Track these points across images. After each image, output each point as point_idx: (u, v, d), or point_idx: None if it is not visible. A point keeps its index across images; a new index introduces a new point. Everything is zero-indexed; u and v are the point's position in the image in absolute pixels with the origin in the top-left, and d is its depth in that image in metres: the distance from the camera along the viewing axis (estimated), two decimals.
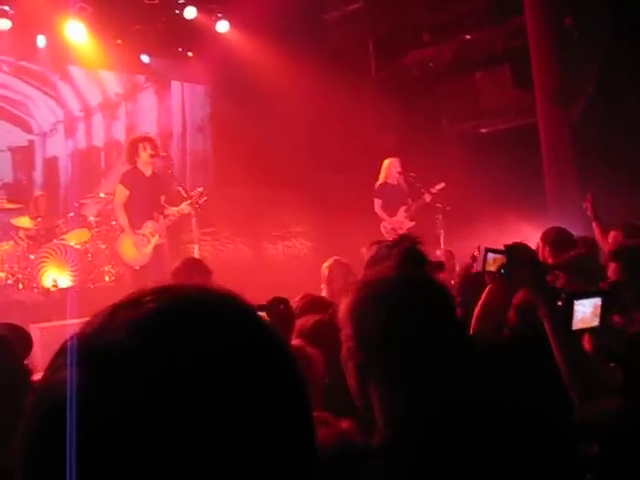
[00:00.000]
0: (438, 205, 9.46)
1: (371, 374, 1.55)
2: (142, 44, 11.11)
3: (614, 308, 2.76)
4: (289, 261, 11.81)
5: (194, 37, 11.20)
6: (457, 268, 7.03)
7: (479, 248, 2.55)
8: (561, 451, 1.64)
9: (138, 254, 7.93)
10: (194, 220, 8.13)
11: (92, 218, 9.48)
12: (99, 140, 12.59)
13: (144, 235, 7.94)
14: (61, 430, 0.64)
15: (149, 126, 12.79)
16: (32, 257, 8.78)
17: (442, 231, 9.39)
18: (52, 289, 8.72)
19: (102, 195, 9.77)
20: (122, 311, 0.71)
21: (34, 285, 8.74)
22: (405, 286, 1.58)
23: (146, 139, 8.30)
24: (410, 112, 11.47)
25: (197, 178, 11.92)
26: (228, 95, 11.60)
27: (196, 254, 7.91)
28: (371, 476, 1.45)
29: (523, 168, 9.88)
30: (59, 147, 12.35)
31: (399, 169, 9.59)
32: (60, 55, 10.69)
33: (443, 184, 9.49)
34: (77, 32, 10.14)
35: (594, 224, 6.15)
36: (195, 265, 5.20)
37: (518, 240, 2.81)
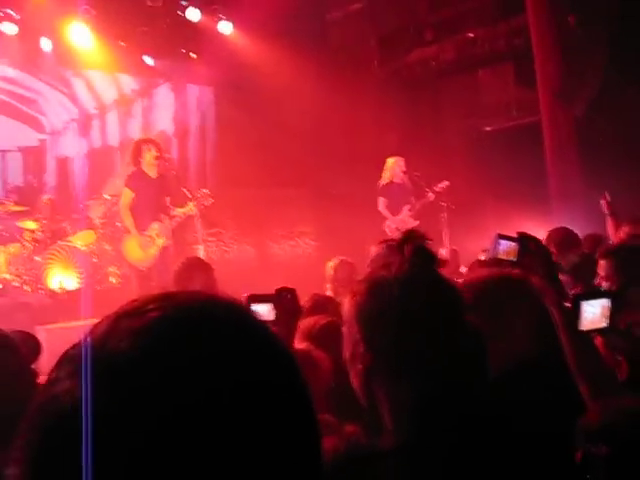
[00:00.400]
0: (442, 203, 9.46)
1: (380, 375, 1.51)
2: (146, 46, 11.14)
3: (622, 309, 2.76)
4: (294, 261, 11.83)
5: (197, 39, 11.23)
6: (462, 267, 7.05)
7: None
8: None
9: (144, 255, 7.95)
10: (199, 221, 8.15)
11: (97, 220, 9.50)
12: (114, 139, 12.25)
13: (149, 236, 7.96)
14: (63, 442, 0.64)
15: (165, 124, 12.66)
16: (38, 259, 8.81)
17: (446, 229, 9.39)
18: (58, 291, 8.75)
19: (107, 197, 9.80)
20: (124, 320, 0.70)
21: (40, 287, 8.77)
22: (417, 285, 1.54)
23: (150, 141, 8.34)
24: (413, 110, 11.49)
25: (201, 179, 11.93)
26: (232, 96, 11.63)
27: (201, 255, 7.93)
28: (385, 478, 1.43)
29: (527, 166, 9.88)
30: (72, 147, 11.95)
31: (403, 168, 9.59)
32: (65, 58, 10.72)
33: (447, 182, 9.49)
34: (81, 35, 10.17)
35: (609, 220, 6.12)
36: (196, 264, 5.22)
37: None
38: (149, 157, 7.99)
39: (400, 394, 1.50)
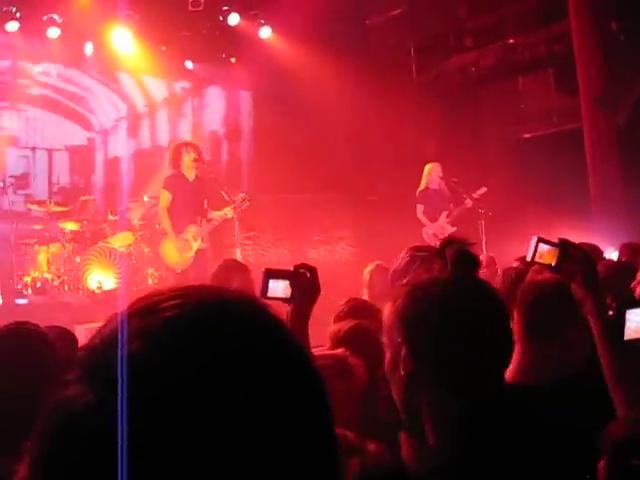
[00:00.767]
0: (480, 210, 9.38)
1: (422, 382, 1.48)
2: (186, 50, 11.25)
3: None
4: (330, 266, 11.80)
5: (237, 43, 11.31)
6: (499, 274, 6.96)
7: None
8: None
9: (180, 258, 8.01)
10: (236, 224, 8.19)
11: (136, 221, 9.60)
12: (164, 139, 12.02)
13: (186, 239, 8.01)
14: (70, 447, 0.62)
15: (216, 125, 12.57)
16: (78, 259, 8.93)
17: (484, 237, 9.31)
18: (97, 291, 8.86)
19: (146, 199, 9.89)
20: (135, 319, 0.68)
21: (79, 287, 8.89)
22: (459, 289, 1.53)
23: (189, 144, 8.40)
24: (452, 117, 11.42)
25: (239, 182, 11.98)
26: (270, 100, 11.67)
27: (238, 258, 7.96)
28: None
29: (567, 173, 9.76)
30: (120, 146, 11.72)
31: (440, 174, 9.54)
32: (107, 62, 10.88)
33: (485, 189, 9.42)
34: (123, 39, 10.32)
35: None
36: (234, 265, 5.24)
37: None
38: (188, 160, 8.04)
39: (442, 403, 1.47)
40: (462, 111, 11.71)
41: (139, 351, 0.64)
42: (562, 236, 2.32)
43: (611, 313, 2.22)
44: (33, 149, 11.22)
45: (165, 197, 8.08)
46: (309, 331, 2.37)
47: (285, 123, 11.16)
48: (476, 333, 1.48)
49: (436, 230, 9.46)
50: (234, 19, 10.96)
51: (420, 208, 9.57)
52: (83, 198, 9.64)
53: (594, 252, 5.56)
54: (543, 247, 2.25)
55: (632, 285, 3.82)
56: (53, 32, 9.87)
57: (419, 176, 9.68)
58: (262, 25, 11.18)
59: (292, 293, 2.37)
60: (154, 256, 9.19)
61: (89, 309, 8.57)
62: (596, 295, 2.13)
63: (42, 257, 9.00)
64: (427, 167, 9.67)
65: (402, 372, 1.49)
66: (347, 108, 10.82)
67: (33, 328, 1.94)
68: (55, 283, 8.92)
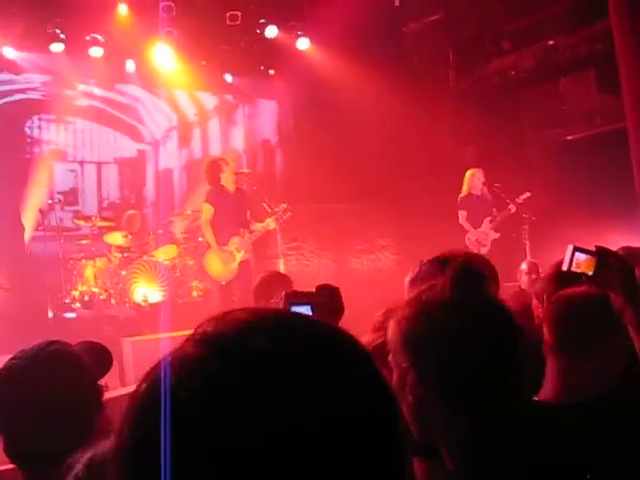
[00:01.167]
0: (524, 215, 9.28)
1: (433, 407, 1.45)
2: (225, 64, 11.37)
3: None
4: (374, 275, 11.80)
5: (275, 55, 11.39)
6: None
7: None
8: None
9: (224, 270, 8.07)
10: (279, 235, 8.23)
11: (180, 235, 9.71)
12: (216, 148, 11.87)
13: (230, 251, 8.08)
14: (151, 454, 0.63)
15: (267, 132, 12.48)
16: (123, 273, 9.07)
17: (528, 242, 9.21)
18: (143, 304, 8.98)
19: (189, 212, 10.01)
20: (212, 340, 0.70)
21: (126, 300, 9.02)
22: (463, 309, 1.48)
23: (224, 159, 8.53)
24: (492, 122, 11.32)
25: (280, 193, 12.04)
26: (309, 110, 11.72)
27: (281, 269, 8.00)
28: None
29: (611, 175, 9.60)
30: (172, 158, 11.50)
31: (482, 179, 9.47)
32: (148, 78, 11.05)
33: (528, 194, 9.32)
34: (164, 56, 10.48)
35: None
36: (276, 277, 5.26)
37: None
38: (228, 173, 8.12)
39: (453, 425, 1.44)
40: (502, 115, 11.61)
41: (216, 368, 0.66)
42: (607, 240, 2.27)
43: None
44: (81, 163, 11.15)
45: (207, 210, 8.16)
46: None
47: (324, 133, 11.20)
48: (484, 355, 1.45)
49: (479, 236, 9.39)
50: (272, 31, 11.05)
51: (462, 214, 9.51)
52: (129, 213, 9.79)
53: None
54: (580, 256, 2.20)
55: None
56: (96, 51, 10.08)
57: (459, 182, 9.62)
58: (299, 36, 11.24)
59: (313, 315, 2.37)
60: (198, 268, 9.28)
61: (135, 322, 8.70)
62: (636, 305, 2.06)
63: (89, 272, 9.17)
64: (468, 173, 9.61)
65: (410, 397, 1.45)
66: (385, 116, 10.81)
67: (63, 347, 1.99)
68: (102, 297, 9.07)
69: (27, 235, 9.47)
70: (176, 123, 11.78)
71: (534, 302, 3.89)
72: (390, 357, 1.54)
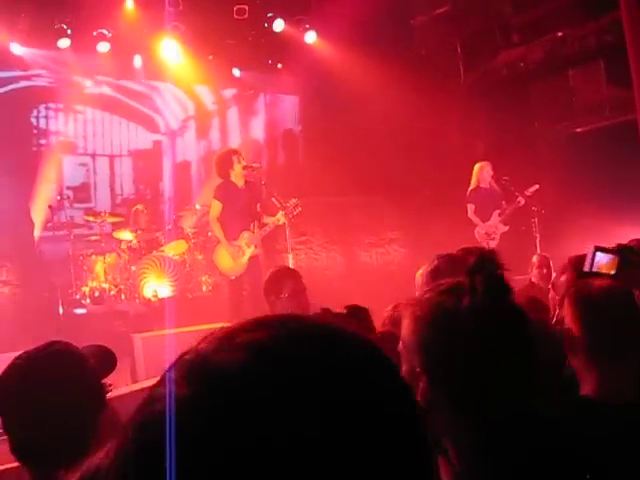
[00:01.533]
0: (533, 208, 9.25)
1: (441, 412, 1.45)
2: (233, 58, 11.36)
3: None
4: (383, 268, 11.79)
5: (283, 49, 11.38)
6: (553, 274, 6.87)
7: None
8: None
9: (234, 265, 8.07)
10: (288, 230, 8.21)
11: (189, 229, 9.72)
12: (235, 139, 11.40)
13: (239, 246, 8.07)
14: (161, 457, 0.61)
15: (274, 127, 12.11)
16: (133, 268, 9.09)
17: (538, 235, 9.18)
18: (152, 299, 9.00)
19: (198, 207, 10.01)
20: (241, 334, 0.68)
21: (136, 295, 9.05)
22: (489, 321, 1.46)
23: (237, 152, 8.43)
24: (501, 114, 11.28)
25: (288, 188, 12.00)
26: (317, 104, 11.71)
27: (290, 263, 8.00)
28: None
29: (622, 166, 9.55)
30: (189, 149, 10.86)
31: (490, 172, 9.45)
32: (156, 73, 11.05)
33: (537, 186, 9.28)
34: (171, 50, 10.48)
35: None
36: (286, 272, 5.26)
37: (618, 242, 2.70)
38: (238, 168, 8.09)
39: (462, 427, 1.44)
40: (511, 108, 11.56)
41: (239, 362, 0.64)
42: (617, 233, 2.25)
43: None
44: (93, 156, 10.62)
45: (216, 206, 8.14)
46: None
47: (332, 126, 11.19)
48: (503, 364, 1.44)
49: (488, 229, 9.37)
50: (279, 25, 11.03)
51: (471, 207, 9.49)
52: (135, 208, 9.80)
53: None
54: (601, 256, 2.17)
55: None
56: (103, 47, 10.08)
57: (468, 175, 9.60)
58: (307, 30, 11.23)
59: None
60: (207, 263, 9.30)
61: (145, 317, 8.72)
62: None
63: (99, 267, 9.20)
64: (477, 166, 9.58)
65: (420, 400, 1.43)
66: (393, 109, 10.78)
67: (64, 347, 2.02)
68: (112, 292, 9.10)
69: (37, 231, 9.49)
70: (194, 112, 11.28)
71: (551, 294, 3.88)
72: (401, 349, 1.52)
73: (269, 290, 4.93)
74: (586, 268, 2.19)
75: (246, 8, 10.58)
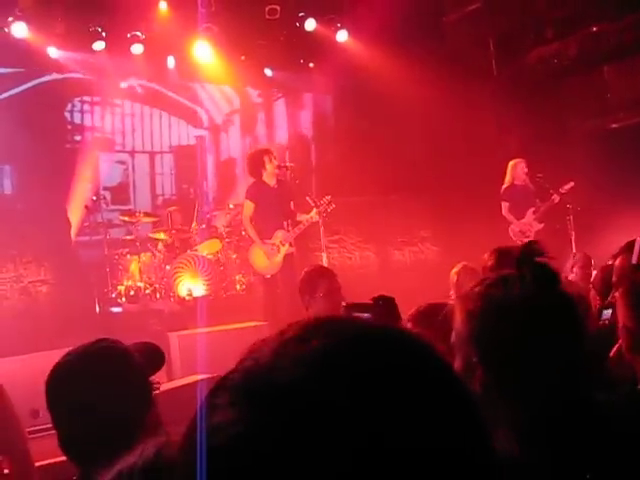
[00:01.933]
0: (568, 206, 9.16)
1: (493, 392, 1.47)
2: (265, 58, 11.39)
3: None
4: (416, 266, 11.76)
5: (315, 48, 11.38)
6: (593, 271, 6.78)
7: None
8: None
9: (269, 263, 8.10)
10: (322, 228, 8.23)
11: (223, 229, 9.78)
12: (282, 135, 10.90)
13: (274, 244, 8.10)
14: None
15: (306, 126, 11.72)
16: (168, 268, 9.17)
17: (573, 232, 9.09)
18: (187, 298, 9.08)
19: (231, 206, 10.06)
20: (291, 345, 0.66)
21: (171, 294, 9.13)
22: (541, 310, 1.49)
23: (269, 151, 8.45)
24: (535, 111, 11.18)
25: (322, 187, 12.00)
26: (349, 103, 11.70)
27: (324, 262, 8.01)
28: None
29: None
30: (235, 145, 10.18)
31: (525, 169, 9.37)
32: (189, 74, 11.12)
33: (572, 183, 9.19)
34: (204, 51, 10.54)
35: None
36: (320, 271, 5.28)
37: None
38: (271, 168, 8.11)
39: (518, 421, 1.46)
40: (545, 104, 11.45)
41: (296, 376, 0.62)
42: None
43: None
44: (132, 153, 10.11)
45: (248, 207, 8.18)
46: None
47: (365, 125, 11.18)
48: (556, 355, 1.46)
49: (523, 227, 9.30)
50: (310, 25, 11.04)
51: (505, 205, 9.42)
52: (169, 209, 9.87)
53: None
54: None
55: None
56: (137, 49, 10.17)
57: (502, 173, 9.53)
58: (339, 29, 11.22)
59: None
60: (241, 262, 9.35)
61: (180, 316, 8.80)
62: None
63: (134, 266, 9.30)
64: (511, 163, 9.51)
65: (478, 388, 1.46)
66: (426, 107, 10.74)
67: (112, 344, 2.04)
68: (147, 291, 9.19)
69: (73, 231, 9.61)
70: (239, 106, 10.68)
71: (592, 293, 3.91)
72: (454, 341, 1.56)
73: (304, 289, 4.95)
74: (634, 260, 2.17)
75: (278, 8, 10.61)
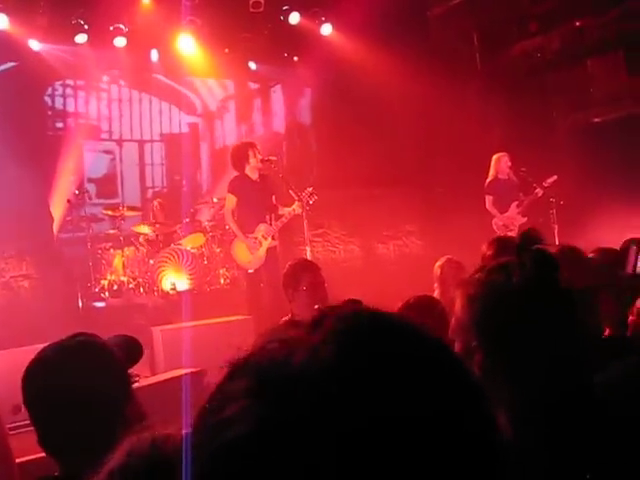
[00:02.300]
0: (551, 199, 9.21)
1: (493, 375, 1.50)
2: (249, 52, 11.34)
3: None
4: (400, 260, 11.78)
5: (299, 42, 11.35)
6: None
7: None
8: None
9: (252, 257, 8.09)
10: (305, 222, 8.21)
11: (206, 223, 9.74)
12: (279, 123, 10.46)
13: (256, 238, 8.08)
14: (235, 471, 0.58)
15: (305, 114, 11.51)
16: (151, 262, 9.14)
17: (556, 226, 9.13)
18: (171, 292, 9.05)
19: (215, 200, 10.02)
20: (301, 333, 0.65)
21: (154, 288, 9.10)
22: (541, 296, 1.52)
23: (254, 145, 8.40)
24: (518, 105, 11.22)
25: (304, 180, 11.94)
26: (334, 96, 11.68)
27: (308, 255, 8.00)
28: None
29: None
30: (230, 133, 9.63)
31: (508, 163, 9.40)
32: (172, 67, 11.06)
33: (555, 177, 9.24)
34: (187, 44, 10.49)
35: None
36: (304, 265, 5.28)
37: (633, 235, 2.68)
38: (254, 161, 8.08)
39: (516, 404, 1.48)
40: (528, 98, 11.49)
41: (314, 363, 0.61)
42: (637, 224, 2.23)
43: None
44: (119, 142, 9.47)
45: (230, 200, 8.14)
46: None
47: (349, 118, 11.16)
48: (557, 340, 1.49)
49: (506, 221, 9.33)
50: (295, 18, 11.01)
51: (489, 199, 9.45)
52: (155, 202, 9.82)
53: None
54: None
55: None
56: (120, 41, 10.09)
57: (486, 167, 9.56)
58: (323, 22, 11.20)
59: None
60: (225, 256, 9.33)
61: (164, 310, 8.78)
62: None
63: (117, 261, 9.26)
64: (495, 157, 9.53)
65: (477, 371, 1.49)
66: (410, 101, 10.75)
67: (90, 339, 2.02)
68: (131, 286, 9.16)
69: (55, 226, 9.53)
70: (233, 91, 10.13)
71: None
72: (454, 327, 1.58)
73: (288, 283, 4.95)
74: (629, 269, 2.16)
75: (262, 1, 10.57)
